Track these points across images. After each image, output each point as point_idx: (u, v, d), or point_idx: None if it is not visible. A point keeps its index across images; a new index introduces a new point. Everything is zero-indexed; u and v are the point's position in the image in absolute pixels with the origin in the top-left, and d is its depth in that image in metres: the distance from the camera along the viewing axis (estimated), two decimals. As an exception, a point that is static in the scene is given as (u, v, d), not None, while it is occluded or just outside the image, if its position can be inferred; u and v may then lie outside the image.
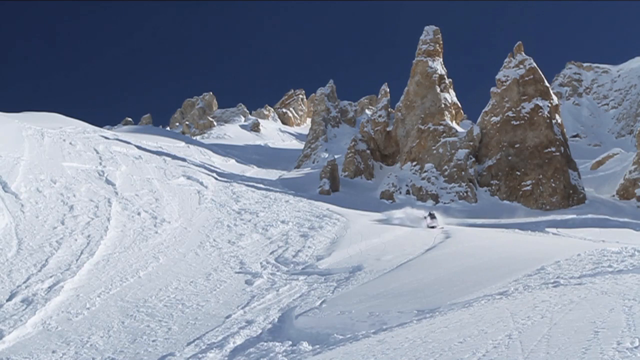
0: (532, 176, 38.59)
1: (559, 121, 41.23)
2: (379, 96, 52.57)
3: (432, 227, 25.64)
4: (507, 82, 41.62)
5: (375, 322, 9.24)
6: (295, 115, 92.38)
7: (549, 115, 40.02)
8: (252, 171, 44.75)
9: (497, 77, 42.43)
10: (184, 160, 40.02)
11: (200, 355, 10.74)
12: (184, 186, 31.17)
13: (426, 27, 46.80)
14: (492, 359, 4.84)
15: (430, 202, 37.80)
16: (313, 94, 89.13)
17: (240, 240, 21.79)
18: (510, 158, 39.69)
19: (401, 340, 6.55)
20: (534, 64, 41.56)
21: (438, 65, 45.57)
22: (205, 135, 73.93)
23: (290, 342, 9.89)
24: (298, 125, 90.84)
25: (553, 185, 38.02)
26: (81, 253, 19.19)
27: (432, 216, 26.93)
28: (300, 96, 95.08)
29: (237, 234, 22.73)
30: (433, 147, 41.73)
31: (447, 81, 45.67)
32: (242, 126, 79.51)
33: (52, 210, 23.60)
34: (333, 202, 32.39)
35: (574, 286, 7.92)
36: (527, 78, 41.13)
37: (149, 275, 17.38)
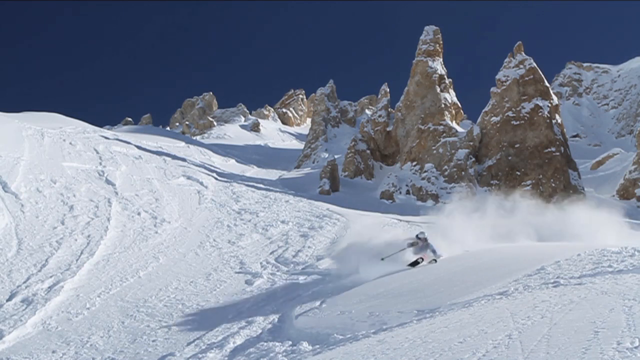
0: (532, 176, 38.60)
1: (559, 121, 41.25)
2: (379, 96, 52.58)
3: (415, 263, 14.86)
4: (507, 82, 41.64)
5: (375, 322, 9.23)
6: (295, 115, 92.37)
7: (549, 115, 40.04)
8: (252, 171, 44.75)
9: (497, 77, 42.45)
10: (184, 160, 40.02)
11: (200, 355, 10.74)
12: (184, 186, 31.17)
13: (426, 27, 46.82)
14: (492, 359, 4.84)
15: (430, 202, 37.81)
16: (313, 94, 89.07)
17: (240, 240, 21.80)
18: (510, 158, 39.70)
19: (401, 340, 6.55)
20: (534, 64, 41.58)
21: (438, 65, 45.59)
22: (205, 135, 73.90)
23: (290, 342, 9.90)
24: (298, 125, 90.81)
25: (553, 185, 38.03)
26: (81, 253, 19.20)
27: (419, 242, 15.44)
28: (300, 96, 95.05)
29: (237, 234, 22.74)
30: (433, 147, 41.75)
31: (447, 81, 45.68)
32: (242, 126, 79.48)
33: (52, 210, 23.60)
34: (333, 202, 32.40)
35: (574, 286, 7.92)
36: (527, 78, 41.15)
37: (149, 275, 17.39)
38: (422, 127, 43.10)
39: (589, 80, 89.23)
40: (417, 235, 15.86)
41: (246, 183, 35.56)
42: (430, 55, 45.73)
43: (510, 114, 40.71)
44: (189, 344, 11.82)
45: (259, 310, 13.68)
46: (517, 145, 39.82)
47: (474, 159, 40.39)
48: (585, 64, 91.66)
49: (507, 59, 42.72)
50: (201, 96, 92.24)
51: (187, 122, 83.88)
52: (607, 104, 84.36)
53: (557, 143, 39.41)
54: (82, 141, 37.07)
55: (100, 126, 54.15)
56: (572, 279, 8.73)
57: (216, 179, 35.30)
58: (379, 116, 48.05)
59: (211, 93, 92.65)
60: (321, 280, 15.99)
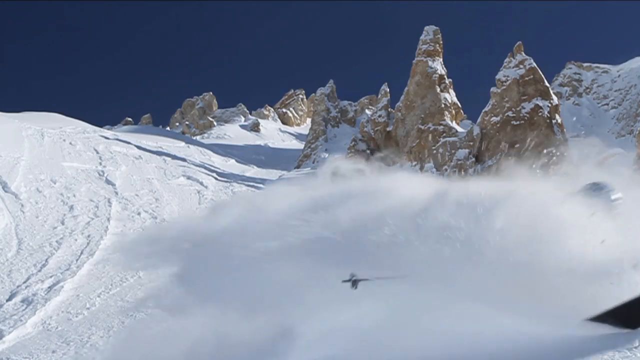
0: (532, 176, 38.63)
1: (559, 121, 41.27)
2: (379, 96, 52.63)
3: None
4: (507, 82, 41.64)
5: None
6: (295, 115, 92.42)
7: (549, 115, 40.07)
8: (252, 171, 44.75)
9: (497, 77, 42.45)
10: (184, 160, 40.03)
11: (200, 355, 10.72)
12: (184, 186, 31.17)
13: (426, 27, 46.85)
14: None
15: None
16: (313, 94, 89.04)
17: (240, 240, 21.79)
18: (510, 158, 39.71)
19: (401, 340, 6.54)
20: (534, 64, 41.59)
21: (438, 65, 45.60)
22: (205, 135, 73.93)
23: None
24: (298, 125, 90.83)
25: (553, 185, 38.10)
26: (81, 253, 19.18)
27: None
28: (300, 96, 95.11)
29: (237, 234, 22.72)
30: (433, 147, 41.76)
31: (447, 81, 45.71)
32: (242, 126, 79.52)
33: (52, 210, 23.59)
34: (333, 202, 32.31)
35: (574, 286, 7.91)
36: (527, 78, 41.16)
37: (149, 275, 17.37)
38: (422, 127, 43.11)
39: (589, 80, 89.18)
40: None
41: (246, 183, 35.57)
42: (430, 55, 45.74)
43: (510, 114, 40.72)
44: (189, 344, 11.81)
45: (259, 310, 13.67)
46: (517, 145, 39.83)
47: (474, 159, 40.40)
48: (585, 64, 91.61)
49: (507, 59, 42.73)
50: (201, 96, 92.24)
51: (187, 122, 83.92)
52: (607, 104, 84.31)
53: (557, 143, 39.43)
54: (82, 141, 37.07)
55: (100, 126, 54.14)
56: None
57: (216, 179, 35.30)
58: (379, 116, 48.07)
59: (211, 93, 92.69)
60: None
